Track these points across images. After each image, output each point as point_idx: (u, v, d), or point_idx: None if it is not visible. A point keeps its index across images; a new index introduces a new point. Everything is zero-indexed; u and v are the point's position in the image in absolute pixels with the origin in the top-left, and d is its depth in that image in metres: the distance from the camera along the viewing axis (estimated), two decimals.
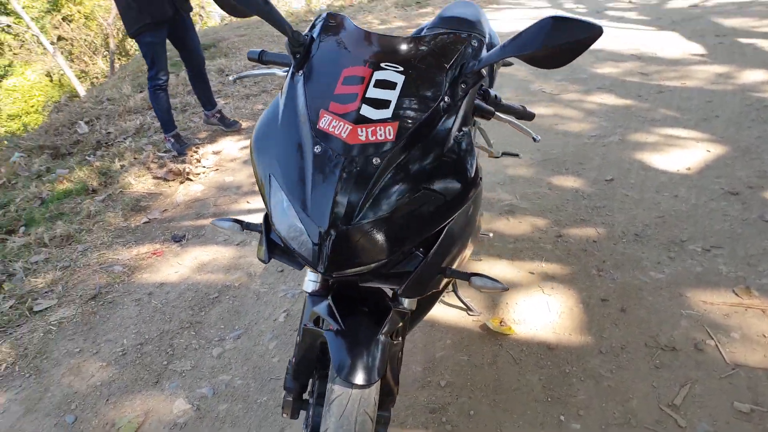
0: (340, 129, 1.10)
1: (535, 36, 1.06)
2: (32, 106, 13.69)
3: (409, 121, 1.11)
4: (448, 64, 1.20)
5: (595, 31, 1.04)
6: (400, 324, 1.37)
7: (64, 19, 14.54)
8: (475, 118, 1.88)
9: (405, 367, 2.07)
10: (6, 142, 4.66)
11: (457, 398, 1.95)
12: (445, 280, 1.26)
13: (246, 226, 1.33)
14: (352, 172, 1.06)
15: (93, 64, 14.51)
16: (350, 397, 1.18)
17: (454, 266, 1.26)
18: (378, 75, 1.15)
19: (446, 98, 1.15)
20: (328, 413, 1.18)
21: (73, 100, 6.34)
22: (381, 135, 1.09)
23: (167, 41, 3.99)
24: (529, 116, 1.51)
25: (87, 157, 4.41)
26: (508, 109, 1.44)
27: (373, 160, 1.07)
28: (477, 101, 1.32)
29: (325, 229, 1.05)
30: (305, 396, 1.41)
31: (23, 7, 14.48)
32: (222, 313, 2.46)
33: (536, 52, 1.07)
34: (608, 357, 2.06)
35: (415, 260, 1.19)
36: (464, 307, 2.34)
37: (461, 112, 1.19)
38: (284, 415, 1.38)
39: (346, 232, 1.06)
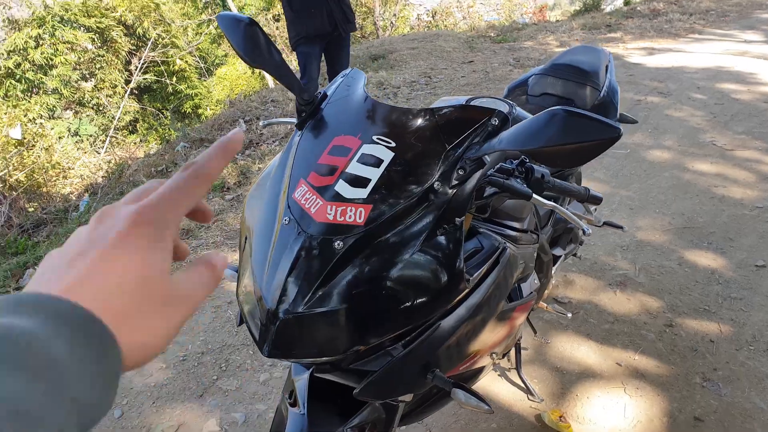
0: (311, 203, 1.00)
1: (541, 129, 0.89)
2: (236, 95, 15.27)
3: (386, 205, 0.98)
4: (450, 145, 1.03)
5: (611, 134, 0.86)
6: (383, 417, 1.25)
7: (274, 17, 16.10)
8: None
9: None
10: (177, 132, 5.24)
11: None
12: (428, 385, 1.11)
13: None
14: (311, 253, 0.95)
15: (289, 60, 15.88)
16: None
17: (450, 368, 1.11)
18: (366, 149, 1.03)
19: (436, 184, 0.99)
20: None
21: (246, 98, 6.94)
22: (350, 217, 0.96)
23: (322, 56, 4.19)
24: (594, 200, 1.28)
25: (236, 155, 4.79)
26: (563, 191, 1.23)
27: (335, 243, 0.94)
28: (511, 181, 1.13)
29: (272, 309, 0.96)
30: None
31: (243, 6, 16.29)
32: None
33: (541, 149, 0.89)
34: None
35: (383, 358, 1.06)
36: (525, 388, 2.09)
37: (454, 202, 1.02)
38: None
39: (292, 320, 0.95)
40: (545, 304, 2.04)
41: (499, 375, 2.17)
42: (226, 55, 17.41)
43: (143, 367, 2.33)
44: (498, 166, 1.17)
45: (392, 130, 1.07)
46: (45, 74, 11.70)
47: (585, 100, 2.11)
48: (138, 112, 13.66)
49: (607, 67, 2.26)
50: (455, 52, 8.03)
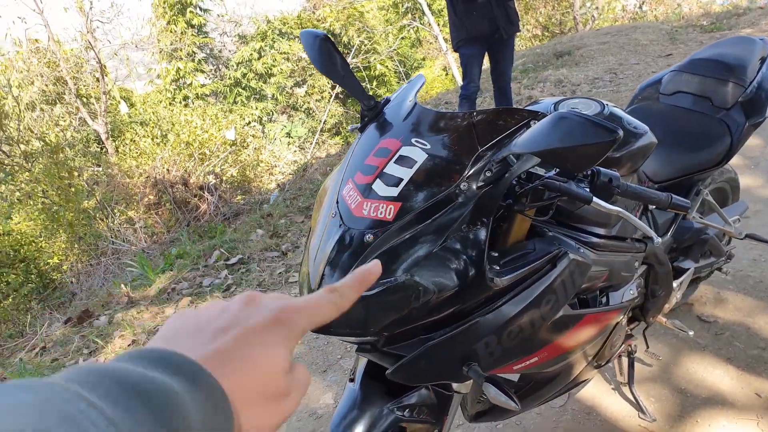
0: (352, 199, 1.15)
1: (547, 132, 0.95)
2: (430, 96, 15.75)
3: (414, 203, 1.08)
4: (483, 147, 1.10)
5: (608, 138, 0.88)
6: (435, 404, 1.34)
7: None
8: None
9: None
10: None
11: None
12: (465, 376, 1.18)
13: None
14: (346, 244, 1.10)
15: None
16: None
17: (493, 366, 1.18)
18: (404, 150, 1.14)
19: (463, 185, 1.07)
20: None
21: (437, 96, 7.19)
22: (382, 213, 1.09)
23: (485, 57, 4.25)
24: (679, 207, 1.18)
25: None
26: (638, 196, 1.19)
27: (366, 236, 1.07)
28: (570, 185, 1.14)
29: (314, 289, 1.13)
30: None
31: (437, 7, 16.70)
32: None
33: (547, 151, 0.94)
34: None
35: (417, 344, 1.16)
36: (636, 404, 1.97)
37: (481, 203, 1.08)
38: None
39: None
40: (664, 319, 1.90)
41: (612, 388, 2.07)
42: (424, 59, 18.07)
43: None
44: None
45: (430, 133, 1.17)
46: (264, 82, 13.41)
47: (725, 98, 1.91)
48: (342, 115, 14.86)
49: (763, 59, 2.01)
50: (652, 46, 7.42)
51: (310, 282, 1.13)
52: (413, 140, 1.15)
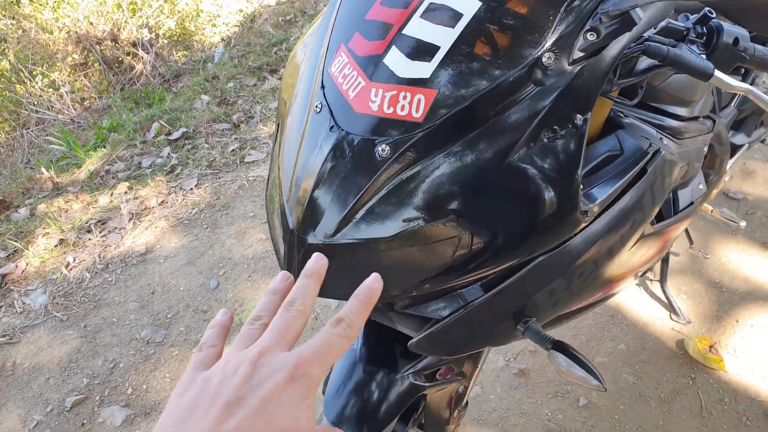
0: (349, 82, 0.66)
1: None
2: None
3: (460, 91, 0.61)
4: None
5: None
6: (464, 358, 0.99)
7: None
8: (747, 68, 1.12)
9: (546, 359, 1.63)
10: None
11: (591, 429, 1.47)
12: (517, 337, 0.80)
13: None
14: (345, 160, 0.64)
15: None
16: None
17: (542, 318, 0.79)
18: None
19: (546, 57, 0.60)
20: None
21: None
22: (403, 107, 0.61)
23: None
24: None
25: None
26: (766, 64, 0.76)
27: (380, 149, 0.61)
28: (681, 50, 0.69)
29: (295, 232, 0.69)
30: None
31: None
32: None
33: None
34: None
35: (454, 302, 0.75)
36: (668, 305, 1.69)
37: (575, 87, 0.62)
38: None
39: (320, 248, 0.68)
40: (710, 207, 1.56)
41: (638, 285, 1.78)
42: None
43: (241, 237, 2.28)
44: (663, 24, 0.73)
45: None
46: None
47: None
48: None
49: None
50: None
51: (287, 219, 0.68)
52: None
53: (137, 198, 2.64)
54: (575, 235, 0.69)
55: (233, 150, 2.87)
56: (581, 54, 0.60)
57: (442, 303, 0.73)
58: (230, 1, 8.93)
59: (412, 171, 0.62)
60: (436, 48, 0.62)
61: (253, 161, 2.76)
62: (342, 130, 0.64)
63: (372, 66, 0.64)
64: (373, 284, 0.50)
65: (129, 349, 1.90)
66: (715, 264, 1.82)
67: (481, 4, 0.62)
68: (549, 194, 0.62)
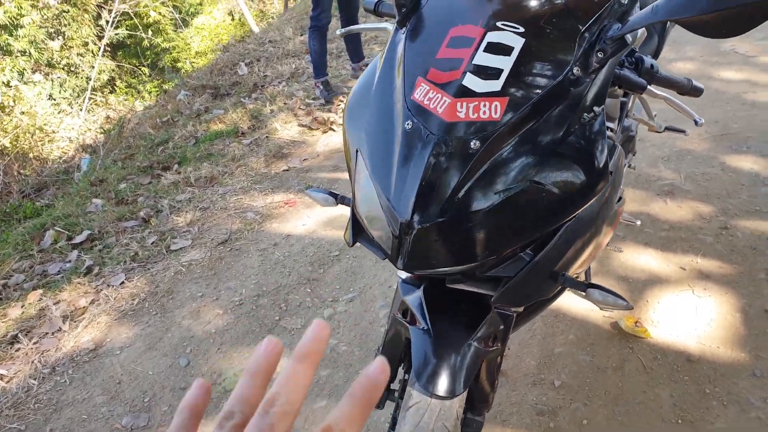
0: (436, 102, 0.93)
1: None
2: (216, 44, 14.68)
3: (523, 96, 0.91)
4: (584, 26, 0.96)
5: None
6: (501, 327, 1.22)
7: None
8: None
9: (517, 359, 1.91)
10: (176, 80, 5.05)
11: (571, 403, 1.76)
12: (557, 289, 1.07)
13: (341, 200, 1.22)
14: (445, 157, 0.88)
15: (270, 3, 15.24)
16: (429, 406, 1.07)
17: (570, 271, 1.07)
18: (491, 36, 0.94)
19: (575, 70, 0.93)
20: (404, 419, 1.09)
21: (240, 41, 6.69)
22: (485, 113, 0.89)
23: None
24: (696, 92, 1.21)
25: (242, 99, 4.63)
26: (668, 83, 1.16)
27: (472, 143, 0.87)
28: (625, 72, 1.07)
29: (407, 220, 0.89)
30: (393, 386, 1.32)
31: None
32: (340, 273, 2.46)
33: (701, 17, 0.83)
34: (763, 382, 1.72)
35: (518, 263, 1.01)
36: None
37: (593, 89, 0.96)
38: None
39: (429, 228, 0.89)
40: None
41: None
42: (201, 4, 16.65)
43: (196, 316, 2.30)
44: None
45: (517, 15, 1.00)
46: (10, 35, 11.13)
47: None
48: (113, 70, 13.09)
49: None
50: None
51: (396, 213, 0.91)
52: (499, 24, 0.97)
53: (61, 301, 2.51)
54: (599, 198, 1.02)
55: (153, 242, 2.86)
56: (596, 66, 0.95)
57: (509, 265, 1.00)
58: (66, 117, 8.62)
59: (497, 156, 0.90)
60: (500, 70, 0.92)
61: (181, 248, 2.79)
62: (436, 135, 0.90)
63: (454, 88, 0.93)
64: (379, 367, 0.36)
65: None
66: (617, 263, 2.28)
67: (524, 40, 0.95)
68: (589, 162, 0.94)
